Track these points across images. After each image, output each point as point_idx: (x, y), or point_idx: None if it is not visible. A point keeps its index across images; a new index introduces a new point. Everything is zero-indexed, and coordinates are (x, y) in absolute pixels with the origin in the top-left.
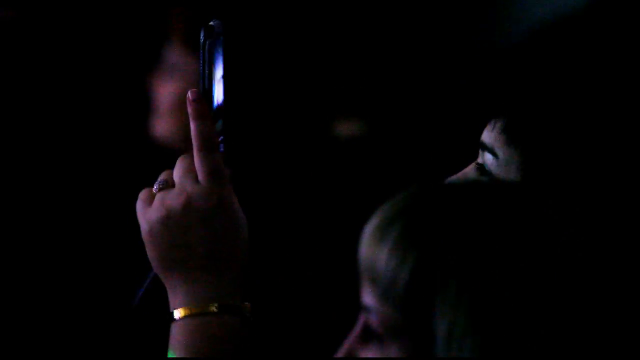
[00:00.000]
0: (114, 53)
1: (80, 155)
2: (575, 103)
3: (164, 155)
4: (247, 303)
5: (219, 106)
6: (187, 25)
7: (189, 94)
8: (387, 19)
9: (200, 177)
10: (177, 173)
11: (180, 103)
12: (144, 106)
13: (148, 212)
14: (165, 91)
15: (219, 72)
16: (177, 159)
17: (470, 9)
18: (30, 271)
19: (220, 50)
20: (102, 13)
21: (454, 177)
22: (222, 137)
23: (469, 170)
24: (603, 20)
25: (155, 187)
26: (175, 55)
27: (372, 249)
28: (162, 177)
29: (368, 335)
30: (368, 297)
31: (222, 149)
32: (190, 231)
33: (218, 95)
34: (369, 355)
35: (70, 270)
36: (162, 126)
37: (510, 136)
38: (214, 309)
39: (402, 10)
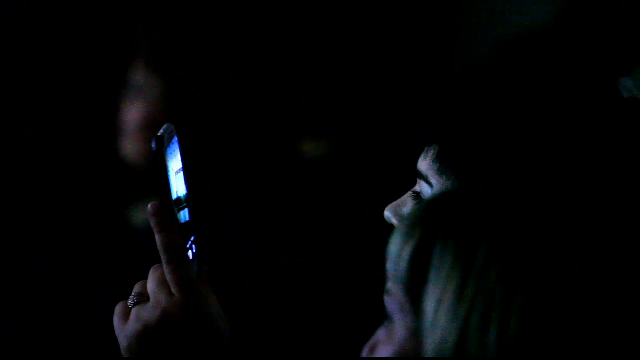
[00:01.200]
0: (80, 76)
1: (49, 175)
2: (504, 131)
3: (132, 175)
4: None
5: (179, 198)
6: (150, 47)
7: (150, 208)
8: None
9: (172, 289)
10: (151, 286)
11: (147, 124)
12: (112, 127)
13: (125, 327)
14: (131, 113)
15: (176, 167)
16: (139, 178)
17: (415, 39)
18: (29, 272)
19: (175, 147)
20: (67, 35)
21: (391, 205)
22: (190, 222)
23: (406, 198)
24: (533, 51)
25: (130, 301)
26: (139, 77)
27: (393, 239)
28: (136, 289)
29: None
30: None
31: (193, 238)
32: (169, 344)
33: (178, 188)
34: (381, 337)
35: (65, 272)
36: (129, 147)
37: (442, 165)
38: None
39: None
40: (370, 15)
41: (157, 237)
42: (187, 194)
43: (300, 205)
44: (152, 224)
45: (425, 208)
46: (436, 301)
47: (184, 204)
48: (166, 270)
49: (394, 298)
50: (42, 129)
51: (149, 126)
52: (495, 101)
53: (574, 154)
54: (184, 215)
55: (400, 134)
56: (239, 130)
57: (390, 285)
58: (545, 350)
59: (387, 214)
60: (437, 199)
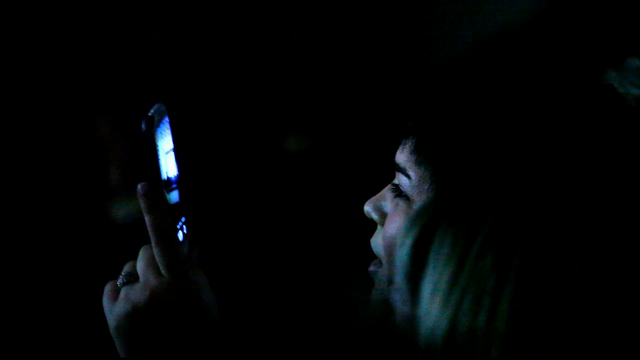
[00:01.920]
0: (80, 75)
1: (48, 175)
2: (479, 121)
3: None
4: None
5: (169, 179)
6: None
7: (139, 188)
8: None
9: (162, 269)
10: (140, 266)
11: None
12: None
13: (114, 307)
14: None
15: (166, 147)
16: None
17: (395, 33)
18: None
19: (166, 127)
20: (67, 35)
21: (371, 200)
22: (180, 202)
23: (385, 192)
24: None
25: (119, 280)
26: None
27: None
28: (126, 269)
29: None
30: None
31: (184, 219)
32: (157, 324)
33: (168, 168)
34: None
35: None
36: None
37: (420, 156)
38: None
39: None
40: (350, 13)
41: (146, 218)
42: (178, 175)
43: (281, 201)
44: (141, 205)
45: (429, 202)
46: (432, 288)
47: (174, 185)
48: (155, 251)
49: (396, 287)
50: (42, 129)
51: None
52: (469, 92)
53: (551, 142)
54: (174, 196)
55: (377, 130)
56: (235, 129)
57: (394, 276)
58: (534, 339)
59: (367, 208)
60: (440, 194)
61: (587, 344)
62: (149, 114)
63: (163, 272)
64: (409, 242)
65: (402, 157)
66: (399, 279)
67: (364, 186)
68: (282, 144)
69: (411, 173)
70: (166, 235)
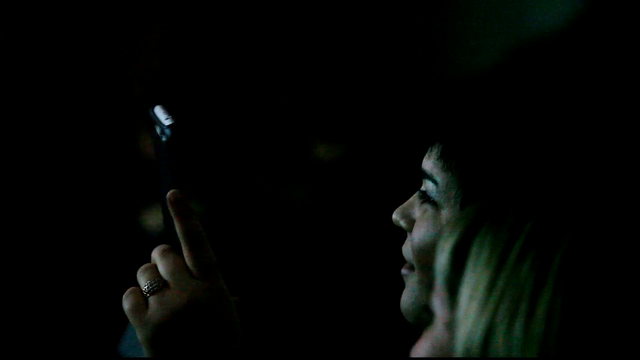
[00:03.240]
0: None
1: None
2: (506, 125)
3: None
4: None
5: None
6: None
7: (169, 196)
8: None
9: (196, 274)
10: (168, 272)
11: None
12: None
13: (147, 316)
14: None
15: None
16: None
17: (420, 42)
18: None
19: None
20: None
21: (399, 208)
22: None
23: (413, 199)
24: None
25: (146, 288)
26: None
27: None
28: (147, 276)
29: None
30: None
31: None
32: (195, 328)
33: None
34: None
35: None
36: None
37: (446, 162)
38: None
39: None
40: (376, 18)
41: (177, 225)
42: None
43: (311, 211)
44: (172, 212)
45: (469, 208)
46: (469, 293)
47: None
48: (188, 256)
49: (436, 292)
50: (42, 129)
51: None
52: (494, 98)
53: (586, 142)
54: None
55: (403, 138)
56: (265, 138)
57: (434, 281)
58: (571, 345)
59: (395, 217)
60: (480, 201)
61: (627, 349)
62: (170, 122)
63: (197, 276)
64: (448, 247)
65: (428, 163)
66: (439, 284)
67: (393, 194)
68: (312, 153)
69: (438, 179)
70: (199, 241)
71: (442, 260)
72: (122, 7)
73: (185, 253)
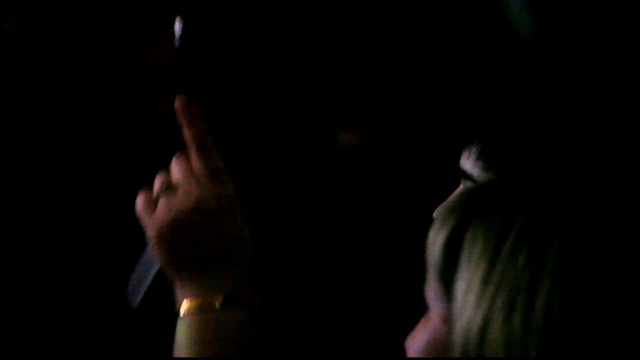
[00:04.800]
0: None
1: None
2: (545, 125)
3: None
4: (255, 297)
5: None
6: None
7: (176, 102)
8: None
9: (203, 178)
10: (178, 175)
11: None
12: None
13: (155, 216)
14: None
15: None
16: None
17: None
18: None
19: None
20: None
21: (440, 207)
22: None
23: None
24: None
25: (158, 190)
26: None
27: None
28: (160, 180)
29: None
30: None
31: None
32: (200, 231)
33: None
34: (420, 324)
35: (66, 270)
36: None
37: (486, 161)
38: (220, 299)
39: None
40: (414, 17)
41: (185, 129)
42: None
43: (348, 213)
44: (180, 117)
45: (459, 198)
46: (465, 286)
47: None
48: (196, 161)
49: (429, 285)
50: (42, 128)
51: None
52: (532, 98)
53: (586, 134)
54: None
55: (443, 139)
56: (295, 133)
57: (427, 273)
58: (573, 336)
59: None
60: (470, 190)
61: (629, 341)
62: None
63: (204, 180)
64: (440, 240)
65: (468, 163)
66: (432, 276)
67: (434, 194)
68: (349, 157)
69: (478, 178)
70: (207, 144)
71: (434, 252)
72: None
73: (193, 158)
